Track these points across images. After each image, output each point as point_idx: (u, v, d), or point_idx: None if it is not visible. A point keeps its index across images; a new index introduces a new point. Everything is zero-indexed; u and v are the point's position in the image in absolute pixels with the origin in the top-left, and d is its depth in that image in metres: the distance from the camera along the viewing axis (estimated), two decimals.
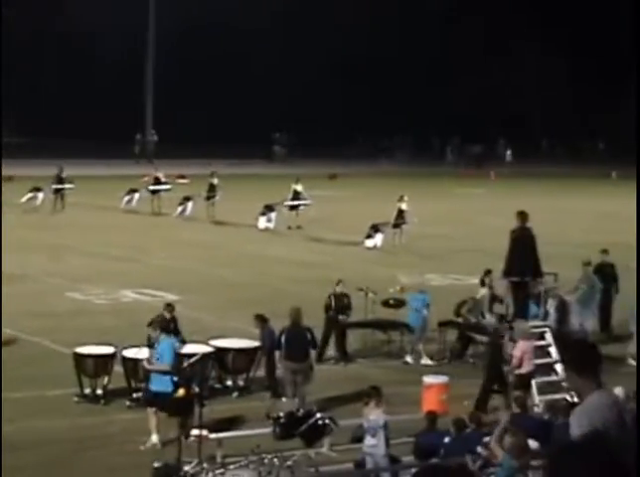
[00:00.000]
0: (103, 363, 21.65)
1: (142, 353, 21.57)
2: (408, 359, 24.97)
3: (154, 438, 18.62)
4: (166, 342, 19.18)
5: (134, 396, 21.23)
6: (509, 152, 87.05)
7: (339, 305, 24.78)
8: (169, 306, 22.71)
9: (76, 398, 21.33)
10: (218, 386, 22.29)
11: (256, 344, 22.92)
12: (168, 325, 20.16)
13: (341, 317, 24.71)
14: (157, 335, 19.35)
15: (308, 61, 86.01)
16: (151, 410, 18.82)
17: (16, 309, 28.63)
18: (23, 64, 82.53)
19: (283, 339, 21.10)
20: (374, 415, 16.99)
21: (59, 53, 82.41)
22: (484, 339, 23.70)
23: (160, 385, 18.85)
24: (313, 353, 21.37)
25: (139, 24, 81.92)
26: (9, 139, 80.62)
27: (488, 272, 25.91)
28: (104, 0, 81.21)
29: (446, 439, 16.71)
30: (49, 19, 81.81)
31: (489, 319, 24.92)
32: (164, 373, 18.84)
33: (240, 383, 22.50)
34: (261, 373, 22.66)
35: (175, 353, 19.27)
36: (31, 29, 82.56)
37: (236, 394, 22.23)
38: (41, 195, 48.64)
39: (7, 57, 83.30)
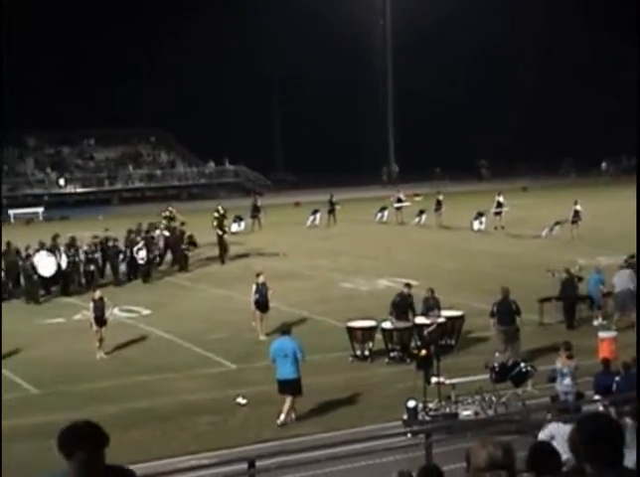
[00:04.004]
0: (368, 333, 21.88)
1: (395, 324, 21.85)
2: (595, 322, 24.43)
3: (281, 417, 17.52)
4: (289, 342, 18.06)
5: (391, 355, 21.44)
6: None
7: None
8: (407, 285, 22.95)
9: (350, 359, 21.65)
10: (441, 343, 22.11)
11: (460, 313, 22.93)
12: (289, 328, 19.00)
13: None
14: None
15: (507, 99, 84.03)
16: (284, 397, 17.69)
17: (308, 298, 29.28)
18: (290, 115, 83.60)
19: (495, 309, 21.10)
20: (571, 363, 16.86)
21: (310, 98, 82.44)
22: None
23: (286, 374, 17.72)
24: (518, 319, 21.08)
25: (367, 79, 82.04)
26: (283, 176, 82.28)
27: None
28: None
29: (617, 378, 16.36)
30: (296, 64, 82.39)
31: None
32: (291, 364, 17.73)
33: (453, 342, 22.37)
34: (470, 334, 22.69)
35: (300, 350, 17.87)
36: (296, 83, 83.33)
37: (456, 351, 22.18)
38: (319, 215, 49.31)
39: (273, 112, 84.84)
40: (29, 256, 31.15)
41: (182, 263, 35.75)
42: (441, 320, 21.53)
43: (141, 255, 33.37)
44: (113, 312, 25.07)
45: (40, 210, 61.86)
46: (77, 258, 32.60)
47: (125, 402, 19.04)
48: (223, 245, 37.50)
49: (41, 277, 31.22)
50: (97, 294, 23.70)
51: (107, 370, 21.68)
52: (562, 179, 76.66)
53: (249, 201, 50.15)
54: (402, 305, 22.30)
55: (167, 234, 37.19)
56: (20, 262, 31.52)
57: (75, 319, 27.18)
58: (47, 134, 74.42)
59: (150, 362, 22.25)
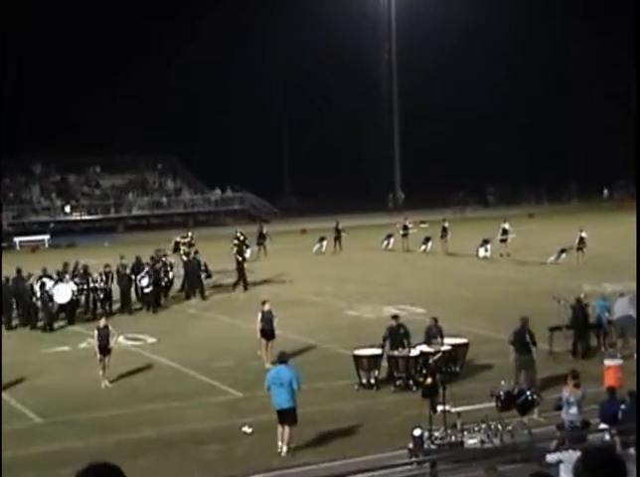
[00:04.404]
0: (374, 360, 21.87)
1: (401, 352, 21.82)
2: (602, 350, 24.40)
3: (282, 447, 17.43)
4: (286, 370, 17.80)
5: (397, 383, 21.41)
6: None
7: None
8: (395, 317, 22.83)
9: (356, 387, 21.63)
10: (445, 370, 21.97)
11: (465, 340, 22.93)
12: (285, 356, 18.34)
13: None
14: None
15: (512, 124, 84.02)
16: (280, 426, 17.50)
17: (313, 325, 29.33)
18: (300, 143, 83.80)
19: (513, 338, 21.10)
20: (578, 392, 16.82)
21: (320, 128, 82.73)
22: None
23: (282, 403, 17.51)
24: (534, 349, 20.95)
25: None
26: (289, 203, 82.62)
27: None
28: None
29: (622, 406, 16.35)
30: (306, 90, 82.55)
31: None
32: (286, 393, 17.46)
33: (457, 369, 22.32)
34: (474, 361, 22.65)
35: (297, 380, 17.56)
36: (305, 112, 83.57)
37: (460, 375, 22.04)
38: (325, 242, 49.44)
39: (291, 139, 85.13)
40: (44, 285, 31.24)
41: (192, 292, 35.77)
42: (446, 348, 21.55)
43: (144, 283, 33.27)
44: (118, 340, 25.09)
45: (46, 237, 62.06)
46: (85, 287, 32.64)
47: (131, 431, 19.05)
48: (241, 272, 37.50)
49: (58, 305, 31.29)
50: (102, 322, 23.75)
51: (112, 398, 21.69)
52: (565, 205, 76.69)
53: (255, 228, 50.21)
54: (395, 338, 22.19)
55: (185, 259, 37.00)
56: (32, 289, 31.60)
57: (80, 347, 27.23)
58: (53, 162, 74.74)
59: (156, 390, 22.26)
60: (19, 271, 32.40)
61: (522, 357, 20.76)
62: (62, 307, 31.70)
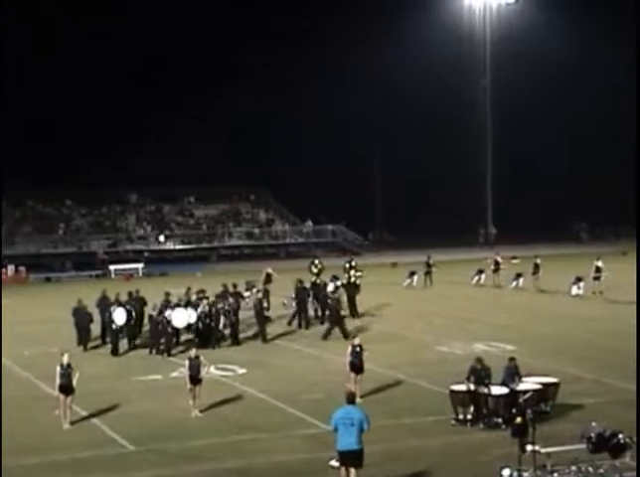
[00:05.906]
0: (472, 396, 21.44)
1: (494, 390, 21.51)
2: None
3: None
4: (355, 411, 17.06)
5: (485, 421, 21.17)
6: None
7: None
8: (479, 360, 22.15)
9: (452, 422, 21.36)
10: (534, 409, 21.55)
11: (555, 380, 22.47)
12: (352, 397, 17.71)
13: None
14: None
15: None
16: (344, 468, 16.84)
17: (402, 359, 29.19)
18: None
19: None
20: None
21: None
22: None
23: (351, 444, 16.65)
24: None
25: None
26: (381, 237, 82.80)
27: None
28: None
29: None
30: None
31: None
32: (356, 434, 16.69)
33: (548, 408, 21.85)
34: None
35: (367, 421, 16.88)
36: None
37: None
38: (416, 277, 49.30)
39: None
40: (162, 311, 31.81)
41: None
42: (537, 387, 21.26)
43: (221, 321, 33.20)
44: (209, 370, 25.34)
45: (140, 265, 63.15)
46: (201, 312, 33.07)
47: (219, 462, 19.17)
48: (353, 299, 38.65)
49: (174, 329, 31.95)
50: (193, 352, 23.96)
51: (202, 428, 21.86)
52: None
53: (346, 260, 50.17)
54: (478, 380, 21.82)
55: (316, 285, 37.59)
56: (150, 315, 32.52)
57: (171, 376, 27.59)
58: (148, 191, 76.23)
59: (244, 421, 22.39)
60: (130, 295, 34.03)
61: None
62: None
